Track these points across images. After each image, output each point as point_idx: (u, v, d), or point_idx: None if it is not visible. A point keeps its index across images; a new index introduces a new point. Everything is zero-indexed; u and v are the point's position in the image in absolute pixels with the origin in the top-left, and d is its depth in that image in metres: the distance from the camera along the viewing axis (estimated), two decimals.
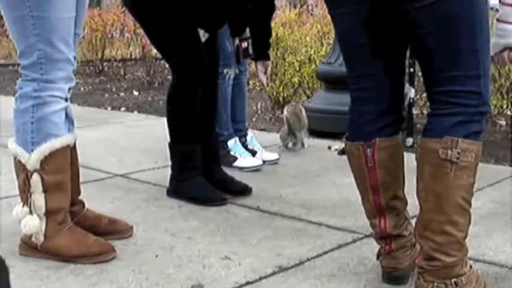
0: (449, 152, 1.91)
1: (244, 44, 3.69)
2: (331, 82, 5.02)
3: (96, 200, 2.93)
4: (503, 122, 5.33)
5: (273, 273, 2.30)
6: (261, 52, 3.76)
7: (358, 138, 2.13)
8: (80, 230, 2.47)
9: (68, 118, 2.45)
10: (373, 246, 2.31)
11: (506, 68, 5.19)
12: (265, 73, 3.85)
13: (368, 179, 2.13)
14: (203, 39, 3.12)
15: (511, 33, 2.05)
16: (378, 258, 2.24)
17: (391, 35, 2.06)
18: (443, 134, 1.93)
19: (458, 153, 1.91)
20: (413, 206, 2.16)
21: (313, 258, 2.44)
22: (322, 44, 7.19)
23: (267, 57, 3.82)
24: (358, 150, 2.12)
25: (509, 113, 5.69)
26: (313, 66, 5.99)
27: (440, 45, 1.94)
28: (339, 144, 4.48)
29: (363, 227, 2.73)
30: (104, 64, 10.25)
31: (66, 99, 2.39)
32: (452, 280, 1.98)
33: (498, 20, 2.06)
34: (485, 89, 1.96)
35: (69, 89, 2.41)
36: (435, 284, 1.99)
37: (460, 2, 1.91)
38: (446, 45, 1.94)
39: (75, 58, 2.40)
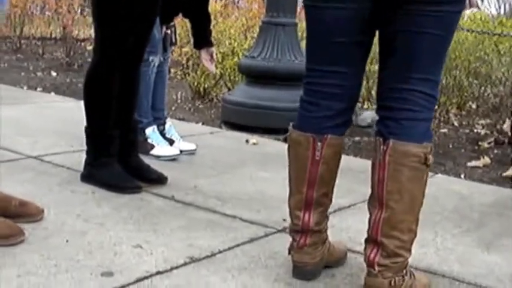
0: (429, 156, 2.02)
1: (168, 32, 3.67)
2: (253, 76, 5.05)
3: (6, 182, 2.85)
4: None
5: (184, 264, 2.30)
6: (203, 39, 3.74)
7: (309, 130, 2.14)
8: None
9: None
10: (285, 241, 2.33)
11: None
12: (210, 60, 3.82)
13: (308, 171, 2.15)
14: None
15: None
16: (289, 252, 2.26)
17: (373, 36, 2.10)
18: (422, 139, 2.01)
19: (432, 157, 2.03)
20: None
21: (225, 250, 2.45)
22: (246, 38, 7.22)
23: (210, 44, 3.79)
24: (308, 141, 2.13)
25: None
26: (235, 59, 6.01)
27: (435, 48, 2.01)
28: (256, 138, 4.53)
29: (276, 221, 2.76)
30: (22, 42, 9.98)
31: None
32: (404, 271, 2.08)
33: None
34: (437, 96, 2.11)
35: None
36: (396, 279, 2.05)
37: (455, 12, 2.01)
38: (439, 49, 2.03)
39: None
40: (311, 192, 2.16)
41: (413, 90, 2.01)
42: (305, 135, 2.14)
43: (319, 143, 2.12)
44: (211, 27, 3.82)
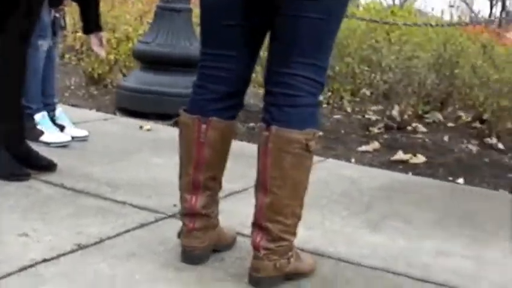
0: (311, 143, 2.03)
1: (57, 15, 3.58)
2: (147, 62, 5.01)
3: None
4: None
5: (72, 251, 2.26)
6: (92, 24, 3.66)
7: (196, 112, 2.15)
8: None
9: None
10: (175, 226, 2.34)
11: None
12: (100, 45, 3.74)
13: (195, 154, 2.15)
14: None
15: None
16: (178, 236, 2.27)
17: (262, 19, 2.10)
18: (304, 126, 2.02)
19: (315, 143, 2.05)
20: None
21: (114, 236, 2.42)
22: (141, 23, 7.14)
23: (99, 29, 3.71)
24: (194, 123, 2.14)
25: None
26: (130, 45, 5.94)
27: (316, 32, 2.02)
28: (150, 124, 4.50)
29: (166, 207, 2.76)
30: None
31: None
32: (289, 253, 2.11)
33: None
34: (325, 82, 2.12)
35: None
36: (281, 261, 2.09)
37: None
38: (320, 34, 2.03)
39: None
40: (198, 175, 2.17)
41: (296, 74, 2.03)
42: (191, 118, 2.16)
43: (204, 126, 2.13)
44: (101, 11, 3.75)
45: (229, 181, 2.84)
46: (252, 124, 4.91)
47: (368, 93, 6.42)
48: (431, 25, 5.73)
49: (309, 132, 2.04)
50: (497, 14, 23.45)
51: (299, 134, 2.02)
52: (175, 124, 2.44)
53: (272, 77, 2.08)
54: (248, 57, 2.18)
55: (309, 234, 2.59)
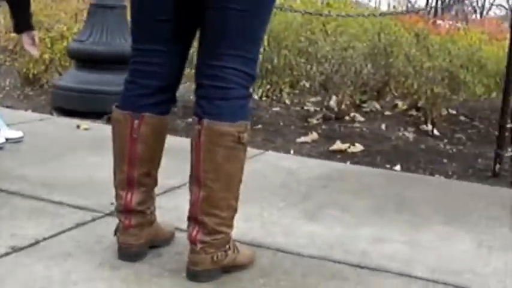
0: (243, 135, 2.03)
1: None
2: (82, 60, 4.95)
3: None
4: None
5: (6, 254, 2.22)
6: (24, 23, 3.59)
7: (128, 108, 2.14)
8: None
9: None
10: (113, 225, 2.32)
11: None
12: (33, 44, 3.67)
13: (128, 150, 2.14)
14: None
15: None
16: (115, 234, 2.25)
17: (193, 14, 2.09)
18: (236, 118, 2.02)
19: (248, 135, 2.05)
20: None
21: (50, 237, 2.39)
22: (77, 21, 7.05)
23: (31, 28, 3.64)
24: (126, 119, 2.13)
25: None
26: (65, 43, 5.86)
27: (245, 24, 2.02)
28: (88, 123, 4.45)
29: (104, 205, 2.73)
30: None
31: None
32: (227, 246, 2.11)
33: None
34: (255, 74, 2.12)
35: None
36: (218, 254, 2.09)
37: None
38: (249, 26, 2.03)
39: None
40: (132, 172, 2.16)
41: (226, 67, 2.04)
42: (123, 114, 2.15)
43: (136, 121, 2.12)
44: (34, 10, 3.69)
45: (168, 177, 2.85)
46: (190, 119, 4.89)
47: (307, 85, 6.46)
48: (363, 15, 5.80)
49: (241, 124, 2.04)
50: (433, 4, 23.87)
51: (231, 127, 2.02)
52: (108, 121, 2.41)
53: (202, 70, 2.08)
54: (179, 52, 2.17)
55: (247, 226, 2.61)
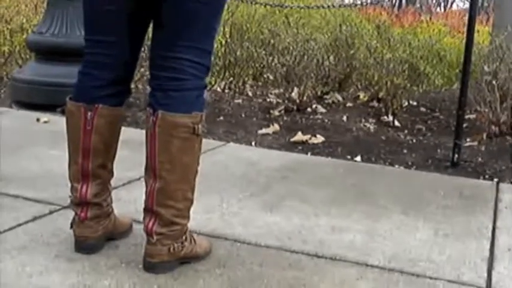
0: (198, 126, 2.03)
1: None
2: (42, 53, 4.89)
3: None
4: None
5: None
6: None
7: (81, 100, 2.13)
8: None
9: None
10: (70, 217, 2.29)
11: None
12: None
13: (81, 142, 2.13)
14: None
15: None
16: (71, 227, 2.24)
17: (144, 5, 2.07)
18: (190, 109, 2.02)
19: (202, 126, 2.04)
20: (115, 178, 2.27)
21: (5, 231, 2.37)
22: (37, 13, 6.96)
23: None
24: (79, 111, 2.12)
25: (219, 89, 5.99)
26: (25, 35, 5.79)
27: (199, 15, 2.01)
28: (48, 116, 4.40)
29: (62, 198, 2.70)
30: None
31: None
32: (184, 237, 2.11)
33: None
34: (210, 65, 2.12)
35: None
36: (175, 245, 2.09)
37: None
38: (203, 17, 2.02)
39: None
40: (86, 164, 2.15)
41: (180, 58, 2.03)
42: (77, 105, 2.14)
43: (89, 113, 2.12)
44: None
45: (127, 169, 2.83)
46: None
47: (271, 77, 6.47)
48: (323, 7, 5.82)
49: (196, 115, 2.04)
50: None
51: (185, 118, 2.02)
52: (63, 113, 2.39)
53: (157, 61, 2.07)
54: (131, 43, 2.16)
55: (207, 217, 2.61)
